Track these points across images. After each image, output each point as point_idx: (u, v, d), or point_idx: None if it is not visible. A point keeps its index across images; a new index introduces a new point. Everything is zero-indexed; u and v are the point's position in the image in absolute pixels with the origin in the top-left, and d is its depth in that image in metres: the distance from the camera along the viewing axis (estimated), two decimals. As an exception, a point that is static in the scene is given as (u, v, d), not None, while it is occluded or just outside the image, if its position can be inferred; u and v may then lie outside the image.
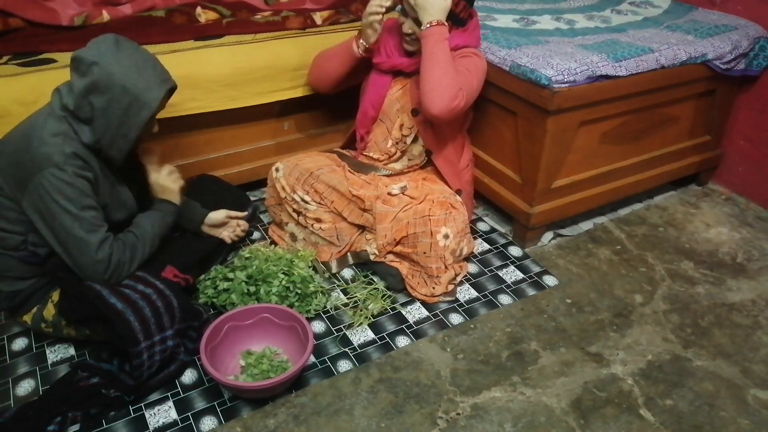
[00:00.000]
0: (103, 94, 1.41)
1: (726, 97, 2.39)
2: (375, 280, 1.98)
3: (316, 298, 1.84)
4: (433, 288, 1.86)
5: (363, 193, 1.90)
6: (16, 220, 1.48)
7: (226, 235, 1.94)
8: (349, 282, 1.98)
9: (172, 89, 1.56)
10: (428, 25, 1.75)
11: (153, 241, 1.61)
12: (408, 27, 1.82)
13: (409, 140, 1.99)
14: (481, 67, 1.89)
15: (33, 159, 1.40)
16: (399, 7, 1.84)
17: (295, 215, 1.98)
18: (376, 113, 1.99)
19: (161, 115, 1.94)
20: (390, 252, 1.90)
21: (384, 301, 1.85)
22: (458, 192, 1.98)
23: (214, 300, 1.77)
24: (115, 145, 1.48)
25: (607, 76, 1.92)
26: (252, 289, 1.76)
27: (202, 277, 1.84)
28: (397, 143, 2.00)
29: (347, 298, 1.87)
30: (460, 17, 1.83)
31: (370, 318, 1.79)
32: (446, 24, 1.78)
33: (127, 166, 1.62)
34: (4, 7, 1.99)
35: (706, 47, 2.11)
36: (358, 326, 1.77)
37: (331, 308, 1.87)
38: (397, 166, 2.04)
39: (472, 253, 2.14)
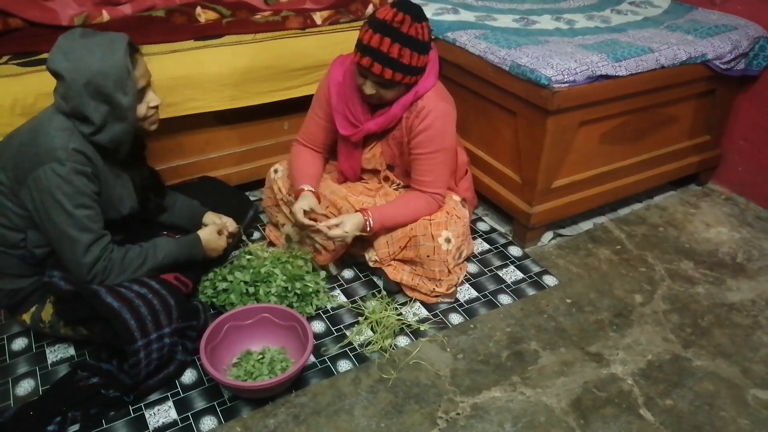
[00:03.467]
0: (78, 93, 1.40)
1: (726, 97, 2.39)
2: (375, 280, 1.98)
3: (316, 297, 1.84)
4: (434, 288, 1.86)
5: (360, 200, 1.88)
6: (17, 216, 1.48)
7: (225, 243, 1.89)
8: (349, 282, 1.98)
9: (129, 47, 1.45)
10: (369, 228, 1.74)
11: (155, 269, 1.60)
12: (369, 88, 1.66)
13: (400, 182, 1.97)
14: (447, 132, 1.76)
15: (37, 153, 1.41)
16: (355, 72, 1.68)
17: (291, 217, 1.97)
18: (355, 177, 1.97)
19: (162, 115, 1.94)
20: (394, 259, 1.88)
21: (398, 318, 1.81)
22: (463, 201, 1.97)
23: (214, 300, 1.78)
24: (116, 131, 1.46)
25: (607, 76, 1.92)
26: (251, 289, 1.76)
27: (202, 277, 1.84)
28: (389, 182, 1.97)
29: (365, 319, 1.80)
30: (404, 84, 1.66)
31: (392, 337, 1.75)
32: (367, 215, 1.72)
33: (130, 161, 1.62)
34: (4, 7, 1.99)
35: (706, 47, 2.11)
36: (379, 347, 1.72)
37: (330, 309, 1.87)
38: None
39: (472, 252, 2.14)
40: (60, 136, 1.42)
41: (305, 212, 1.75)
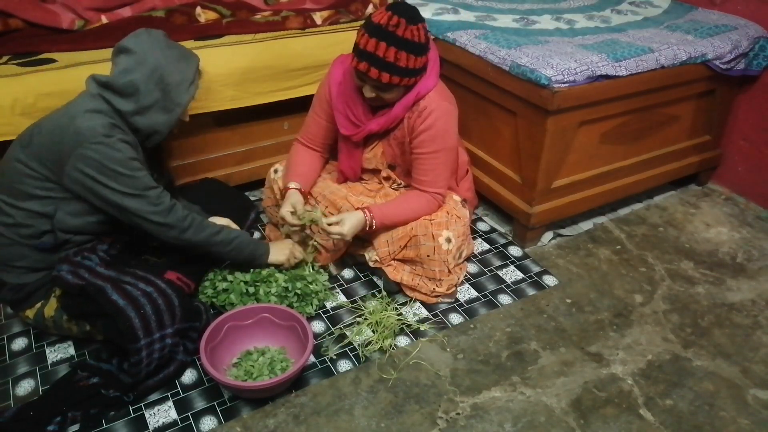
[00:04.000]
0: (143, 73, 1.50)
1: (726, 97, 2.39)
2: (375, 280, 1.99)
3: (317, 297, 1.84)
4: (434, 288, 1.86)
5: (360, 200, 1.88)
6: (48, 199, 1.50)
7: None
8: (349, 282, 1.98)
9: (198, 66, 1.64)
10: (369, 226, 1.75)
11: (226, 243, 1.67)
12: (369, 91, 1.66)
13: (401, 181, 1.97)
14: (449, 132, 1.77)
15: (77, 132, 1.44)
16: (354, 74, 1.67)
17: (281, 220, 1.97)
18: (356, 176, 1.97)
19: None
20: (394, 259, 1.88)
21: (398, 318, 1.81)
22: (463, 201, 1.97)
23: (214, 300, 1.77)
24: (157, 120, 1.56)
25: (607, 76, 1.92)
26: (251, 289, 1.76)
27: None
28: (390, 181, 1.97)
29: (365, 320, 1.79)
30: (403, 86, 1.65)
31: (392, 337, 1.75)
32: (367, 214, 1.73)
33: (149, 163, 1.65)
34: (5, 8, 1.99)
35: (706, 47, 2.11)
36: (379, 347, 1.72)
37: (330, 308, 1.87)
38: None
39: (472, 253, 2.14)
40: (98, 116, 1.48)
41: (293, 213, 1.79)
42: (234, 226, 1.90)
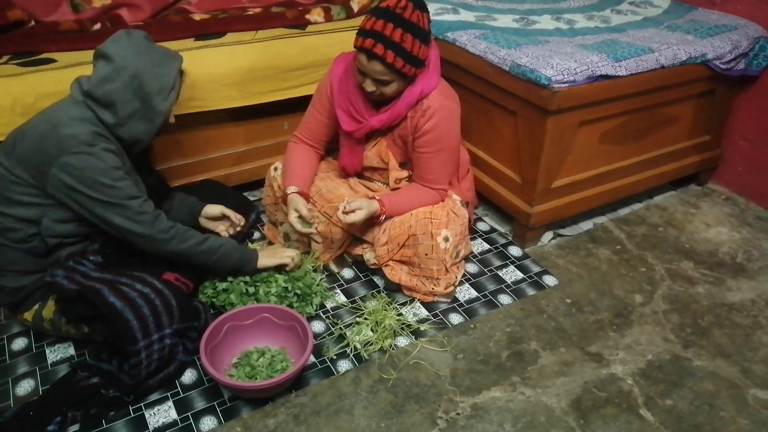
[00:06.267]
0: (121, 81, 1.46)
1: (726, 97, 2.39)
2: (375, 280, 1.99)
3: (316, 297, 1.84)
4: (433, 288, 1.86)
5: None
6: (35, 206, 1.49)
7: (223, 228, 1.92)
8: (349, 282, 1.98)
9: (180, 68, 1.59)
10: (382, 214, 1.77)
11: (209, 253, 1.63)
12: (370, 85, 1.67)
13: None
14: (453, 131, 1.79)
15: (59, 141, 1.43)
16: (355, 69, 1.68)
17: (290, 228, 1.97)
18: (356, 172, 1.97)
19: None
20: (392, 259, 1.88)
21: (398, 318, 1.81)
22: (462, 201, 1.97)
23: (214, 300, 1.77)
24: (138, 129, 1.53)
25: (607, 76, 1.92)
26: (251, 289, 1.76)
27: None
28: (400, 181, 1.97)
29: (365, 320, 1.79)
30: (403, 73, 1.63)
31: (392, 337, 1.75)
32: (383, 206, 1.76)
33: (140, 165, 1.65)
34: None
35: (706, 47, 2.11)
36: (379, 347, 1.72)
37: (330, 308, 1.87)
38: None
39: (471, 252, 2.14)
40: (81, 124, 1.46)
41: (299, 218, 1.80)
42: (229, 212, 1.92)
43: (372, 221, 1.82)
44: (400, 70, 1.62)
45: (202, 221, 1.90)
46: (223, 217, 1.93)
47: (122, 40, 1.49)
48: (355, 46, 1.65)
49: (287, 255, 1.80)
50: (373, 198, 1.78)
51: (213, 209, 1.91)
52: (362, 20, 1.65)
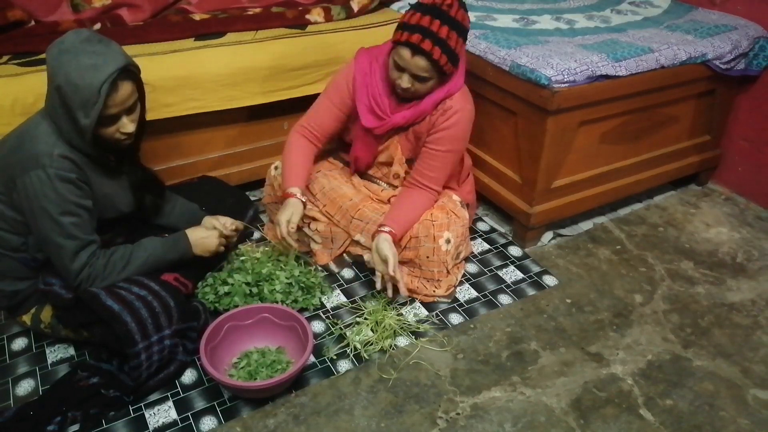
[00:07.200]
0: (51, 94, 1.39)
1: (726, 97, 2.39)
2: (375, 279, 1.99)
3: (318, 289, 1.84)
4: (434, 290, 1.86)
5: (368, 206, 1.88)
6: (16, 222, 1.48)
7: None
8: (349, 282, 1.98)
9: (122, 73, 1.36)
10: (386, 235, 1.73)
11: (140, 268, 1.57)
12: (406, 82, 1.64)
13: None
14: (465, 134, 1.80)
15: (21, 159, 1.40)
16: (391, 64, 1.67)
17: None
18: (368, 167, 1.96)
19: (162, 115, 1.94)
20: None
21: (398, 318, 1.81)
22: (463, 203, 1.97)
23: (217, 305, 1.77)
24: (78, 143, 1.42)
25: (607, 76, 1.92)
26: (254, 290, 1.76)
27: (200, 284, 1.83)
28: (398, 178, 1.96)
29: (365, 320, 1.79)
30: (444, 71, 1.64)
31: (392, 337, 1.75)
32: (394, 237, 1.72)
33: (126, 164, 1.61)
34: None
35: (705, 47, 2.11)
36: (379, 347, 1.72)
37: (330, 308, 1.87)
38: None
39: (471, 253, 2.14)
40: (45, 141, 1.40)
41: (288, 222, 1.75)
42: (230, 221, 1.83)
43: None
44: (443, 67, 1.61)
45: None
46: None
47: (58, 44, 1.35)
48: (397, 41, 1.61)
49: (217, 240, 1.73)
50: (382, 232, 1.73)
51: (207, 222, 1.84)
52: (403, 15, 1.63)
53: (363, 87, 1.76)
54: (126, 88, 1.39)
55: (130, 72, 1.40)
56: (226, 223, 1.81)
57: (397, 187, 1.96)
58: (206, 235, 1.72)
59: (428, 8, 1.58)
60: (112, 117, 1.40)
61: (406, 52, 1.59)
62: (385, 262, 1.70)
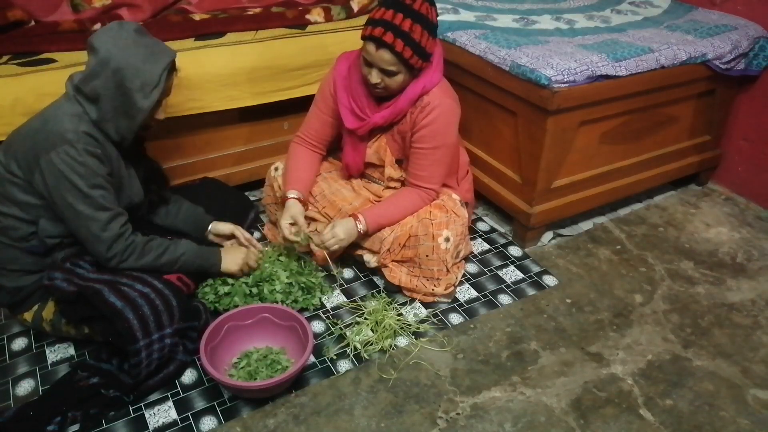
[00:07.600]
0: (105, 76, 1.43)
1: (726, 97, 2.39)
2: (375, 280, 1.99)
3: (319, 289, 1.84)
4: (433, 289, 1.86)
5: (363, 205, 1.89)
6: (30, 206, 1.49)
7: (229, 245, 1.87)
8: (349, 282, 1.98)
9: (172, 64, 1.53)
10: (364, 230, 1.78)
11: (172, 263, 1.62)
12: (375, 77, 1.66)
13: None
14: (450, 129, 1.78)
15: (47, 137, 1.43)
16: (361, 61, 1.68)
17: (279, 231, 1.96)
18: (359, 171, 1.96)
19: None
20: (392, 259, 1.87)
21: (398, 318, 1.81)
22: (462, 201, 1.97)
23: (217, 305, 1.77)
24: (121, 125, 1.49)
25: (607, 76, 1.92)
26: (254, 290, 1.76)
27: (201, 284, 1.83)
28: (393, 180, 1.97)
29: (365, 320, 1.79)
30: (411, 64, 1.63)
31: (392, 337, 1.75)
32: (359, 219, 1.76)
33: (134, 154, 1.64)
34: None
35: (706, 47, 2.11)
36: (379, 347, 1.72)
37: (330, 308, 1.87)
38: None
39: (471, 252, 2.14)
40: (70, 120, 1.45)
41: (292, 224, 1.80)
42: (239, 232, 1.87)
43: (361, 236, 1.82)
44: (408, 60, 1.62)
45: (210, 236, 1.88)
46: (232, 236, 1.89)
47: (110, 31, 1.45)
48: (363, 36, 1.64)
49: (251, 263, 1.79)
50: (356, 216, 1.78)
51: (224, 228, 1.87)
52: (371, 13, 1.65)
53: (343, 90, 1.80)
54: (173, 80, 1.56)
55: (175, 66, 1.55)
56: (241, 236, 1.87)
57: (396, 188, 1.96)
58: (237, 259, 1.76)
59: (392, 3, 1.61)
60: (159, 102, 1.52)
61: (371, 46, 1.62)
62: (333, 237, 1.75)
